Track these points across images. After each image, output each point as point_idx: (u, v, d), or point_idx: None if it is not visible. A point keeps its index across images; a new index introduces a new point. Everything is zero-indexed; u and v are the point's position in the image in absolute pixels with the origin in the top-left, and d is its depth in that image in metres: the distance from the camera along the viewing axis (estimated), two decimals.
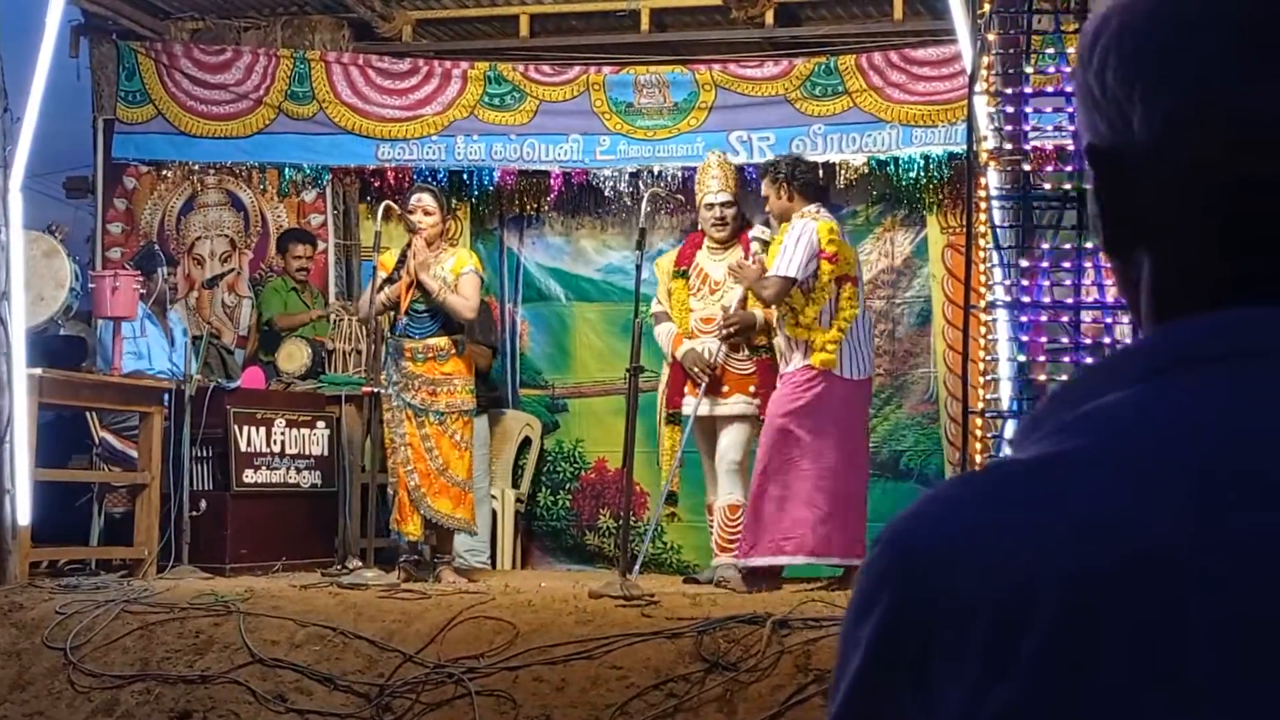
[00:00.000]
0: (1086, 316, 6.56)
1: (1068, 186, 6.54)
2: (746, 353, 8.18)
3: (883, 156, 9.79)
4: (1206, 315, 1.04)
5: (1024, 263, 6.61)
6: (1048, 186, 6.66)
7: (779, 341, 8.10)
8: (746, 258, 8.13)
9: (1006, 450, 6.58)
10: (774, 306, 7.93)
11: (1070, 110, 6.56)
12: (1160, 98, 1.05)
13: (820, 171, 8.58)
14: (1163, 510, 0.96)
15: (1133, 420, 1.01)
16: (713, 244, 8.34)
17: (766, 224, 8.38)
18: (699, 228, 8.53)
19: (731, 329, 8.05)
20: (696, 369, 8.14)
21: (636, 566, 7.83)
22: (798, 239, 7.85)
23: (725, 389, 8.19)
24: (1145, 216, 1.08)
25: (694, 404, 8.15)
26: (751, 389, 8.17)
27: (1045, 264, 6.57)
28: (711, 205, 8.31)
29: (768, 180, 8.19)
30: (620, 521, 8.12)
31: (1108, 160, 1.09)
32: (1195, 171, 1.04)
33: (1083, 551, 0.96)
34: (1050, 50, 6.74)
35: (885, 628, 1.00)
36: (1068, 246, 6.57)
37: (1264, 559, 0.94)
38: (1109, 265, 1.14)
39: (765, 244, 8.15)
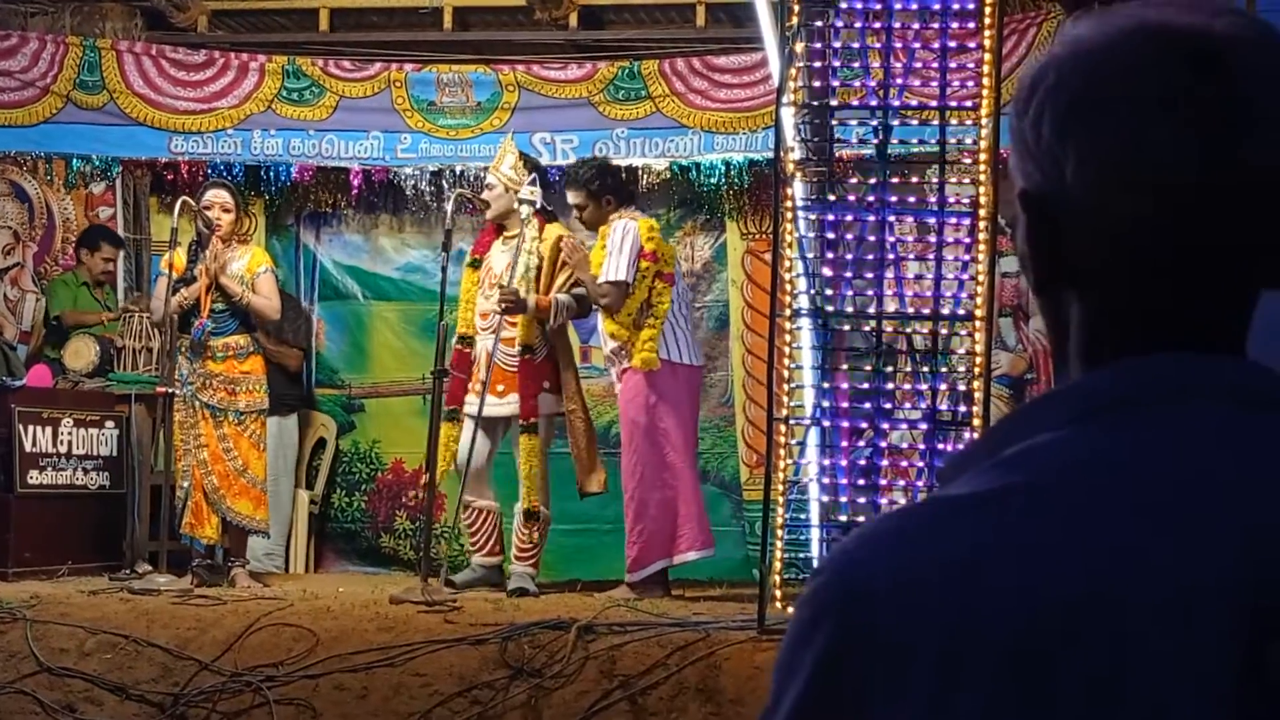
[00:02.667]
0: (887, 326, 6.68)
1: (870, 198, 6.64)
2: (517, 349, 8.05)
3: (684, 162, 9.85)
4: (1139, 360, 1.08)
5: (828, 272, 6.71)
6: (852, 198, 6.76)
7: (607, 342, 8.13)
8: (518, 256, 8.03)
9: (811, 462, 6.67)
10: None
11: (874, 122, 6.67)
12: (1091, 152, 1.08)
13: (624, 174, 8.58)
14: (1102, 554, 0.99)
15: (1069, 461, 1.04)
16: (504, 236, 8.27)
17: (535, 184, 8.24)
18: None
19: (507, 304, 7.89)
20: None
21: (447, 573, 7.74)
22: (621, 241, 7.92)
23: (501, 388, 8.09)
24: (1076, 262, 1.10)
25: (476, 403, 8.07)
26: (518, 385, 8.12)
27: (848, 274, 6.68)
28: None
29: (576, 190, 8.17)
30: (421, 525, 8.02)
31: (1040, 206, 1.12)
32: (1125, 224, 1.07)
33: (1028, 593, 0.98)
34: (855, 64, 6.84)
35: (826, 660, 1.02)
36: (870, 257, 6.68)
37: (1197, 601, 0.97)
38: (1040, 300, 1.16)
39: (533, 205, 8.05)
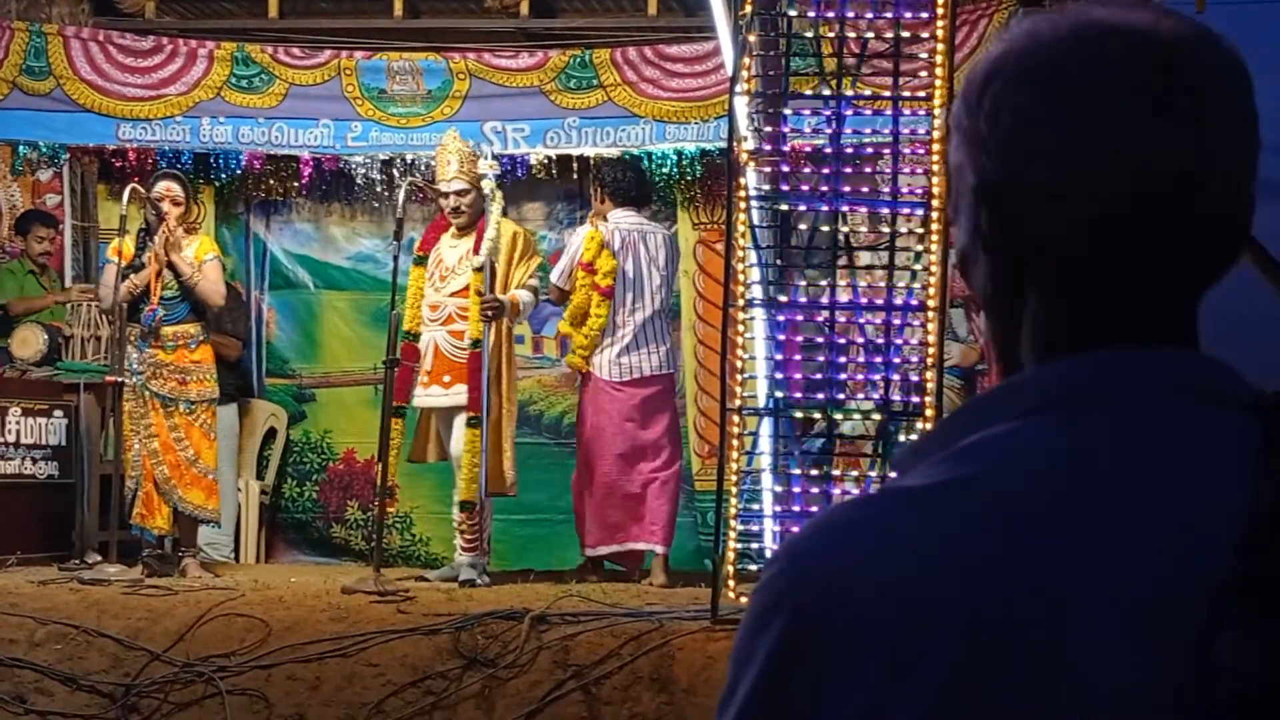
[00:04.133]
0: (840, 316, 6.69)
1: (824, 188, 6.65)
2: (467, 342, 8.06)
3: (636, 151, 9.82)
4: (1095, 354, 1.08)
5: (780, 262, 6.72)
6: (805, 187, 6.77)
7: None
8: (480, 240, 8.06)
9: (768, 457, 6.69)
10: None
11: (826, 112, 6.69)
12: (1059, 143, 1.08)
13: (626, 172, 8.72)
14: (1056, 546, 0.99)
15: (1024, 453, 1.05)
16: (456, 229, 8.28)
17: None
18: (443, 211, 8.45)
19: (490, 312, 7.97)
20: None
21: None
22: (569, 245, 8.39)
23: (448, 379, 8.11)
24: (1034, 256, 1.11)
25: (423, 394, 8.18)
26: (466, 378, 8.11)
27: (801, 264, 6.69)
28: (447, 194, 8.25)
29: (590, 180, 8.82)
30: (373, 514, 7.99)
31: (995, 199, 1.12)
32: (1093, 217, 1.08)
33: (981, 584, 0.99)
34: (809, 54, 6.86)
35: (782, 647, 1.02)
36: (823, 247, 6.70)
37: (1152, 597, 0.98)
38: (989, 294, 1.16)
39: (494, 179, 8.19)
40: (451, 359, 8.09)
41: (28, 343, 9.25)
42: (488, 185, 8.09)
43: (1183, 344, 1.10)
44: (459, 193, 8.17)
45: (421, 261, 8.33)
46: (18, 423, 8.64)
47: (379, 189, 10.19)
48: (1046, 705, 0.96)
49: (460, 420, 8.04)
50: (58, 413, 8.90)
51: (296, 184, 10.29)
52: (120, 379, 8.13)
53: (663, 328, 8.58)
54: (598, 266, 8.24)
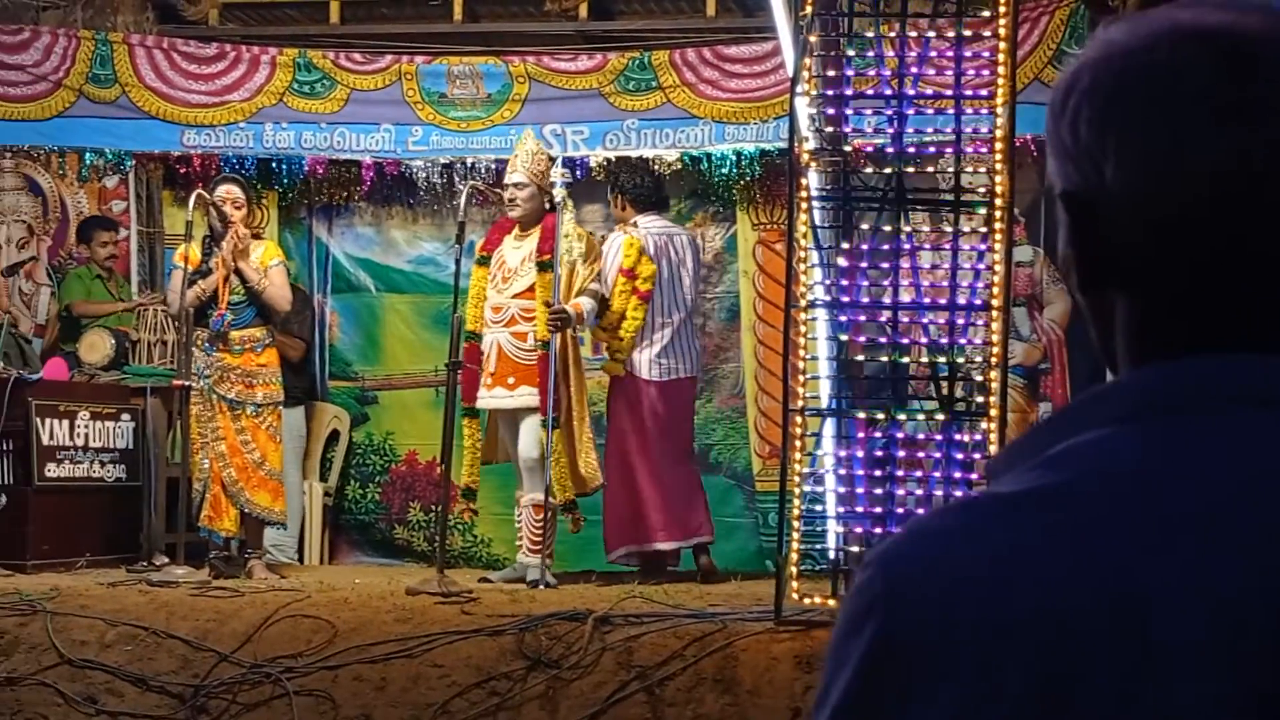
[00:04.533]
0: (903, 316, 6.67)
1: (885, 188, 6.63)
2: (532, 342, 8.12)
3: (695, 152, 9.85)
4: (1182, 361, 1.08)
5: (843, 262, 6.71)
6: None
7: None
8: (549, 243, 8.09)
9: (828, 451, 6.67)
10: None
11: (889, 112, 6.68)
12: (1133, 151, 1.08)
13: (646, 179, 8.93)
14: (1141, 553, 0.99)
15: (1111, 461, 1.04)
16: (519, 231, 8.32)
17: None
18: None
19: (558, 322, 8.00)
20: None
21: None
22: (607, 254, 8.42)
23: (512, 380, 8.15)
24: (1120, 262, 1.11)
25: (487, 396, 8.24)
26: (537, 380, 8.13)
27: (864, 264, 6.68)
28: (506, 186, 8.35)
29: (609, 189, 8.84)
30: (436, 516, 8.04)
31: (1081, 207, 1.12)
32: (1169, 221, 1.08)
33: (1066, 591, 0.98)
34: (870, 53, 6.84)
35: (873, 651, 1.03)
36: (885, 247, 6.68)
37: (1237, 603, 0.98)
38: (1084, 302, 1.16)
39: (567, 185, 8.22)
40: (515, 360, 8.13)
41: (95, 347, 9.36)
42: (559, 194, 8.14)
43: (1273, 348, 1.09)
44: (516, 185, 8.24)
45: (484, 262, 8.38)
46: (86, 426, 8.75)
47: (440, 192, 10.25)
48: (1129, 714, 0.96)
49: (527, 422, 8.09)
50: (125, 416, 9.00)
51: (358, 188, 10.36)
52: (187, 383, 8.22)
53: (692, 331, 8.82)
54: (638, 272, 8.35)
